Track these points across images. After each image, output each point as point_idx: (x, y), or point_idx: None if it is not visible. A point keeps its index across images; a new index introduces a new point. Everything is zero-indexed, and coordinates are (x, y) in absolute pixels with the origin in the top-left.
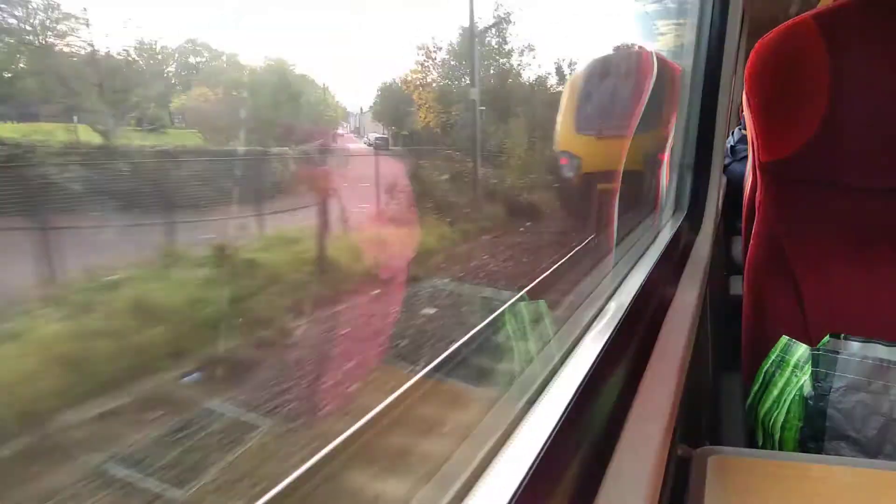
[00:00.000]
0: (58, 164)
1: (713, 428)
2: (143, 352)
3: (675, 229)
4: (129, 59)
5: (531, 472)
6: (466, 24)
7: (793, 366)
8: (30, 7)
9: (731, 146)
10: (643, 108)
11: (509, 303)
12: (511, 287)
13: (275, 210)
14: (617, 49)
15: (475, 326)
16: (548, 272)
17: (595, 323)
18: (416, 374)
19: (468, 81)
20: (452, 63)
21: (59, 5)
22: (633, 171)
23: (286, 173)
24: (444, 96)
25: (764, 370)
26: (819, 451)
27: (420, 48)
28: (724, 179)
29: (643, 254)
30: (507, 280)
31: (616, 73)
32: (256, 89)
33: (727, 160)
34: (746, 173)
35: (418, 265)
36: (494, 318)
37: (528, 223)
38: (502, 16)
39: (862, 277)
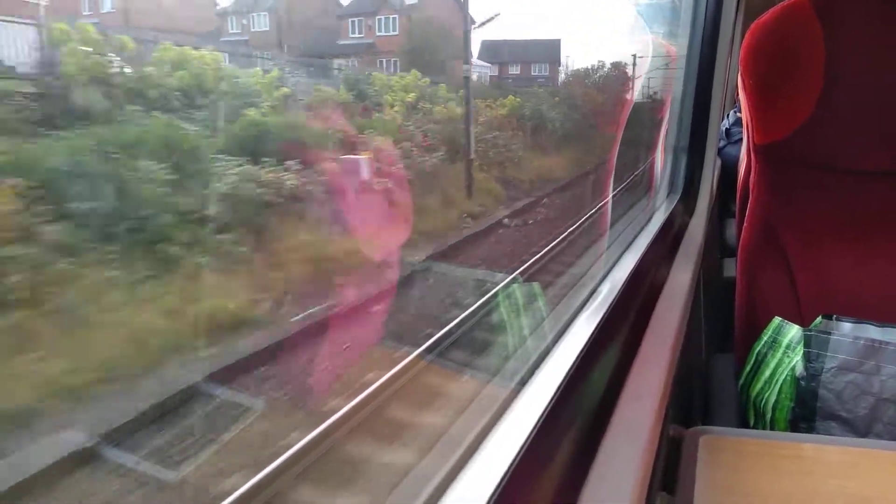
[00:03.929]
0: None
1: (705, 408)
2: None
3: (669, 212)
4: None
5: (523, 450)
6: None
7: (785, 346)
8: None
9: (726, 129)
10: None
11: None
12: None
13: None
14: None
15: None
16: None
17: (588, 304)
18: None
19: None
20: None
21: None
22: None
23: None
24: None
25: (756, 351)
26: (810, 430)
27: None
28: (719, 162)
29: (637, 235)
30: None
31: None
32: None
33: (722, 143)
34: (741, 156)
35: None
36: None
37: None
38: None
39: (854, 259)
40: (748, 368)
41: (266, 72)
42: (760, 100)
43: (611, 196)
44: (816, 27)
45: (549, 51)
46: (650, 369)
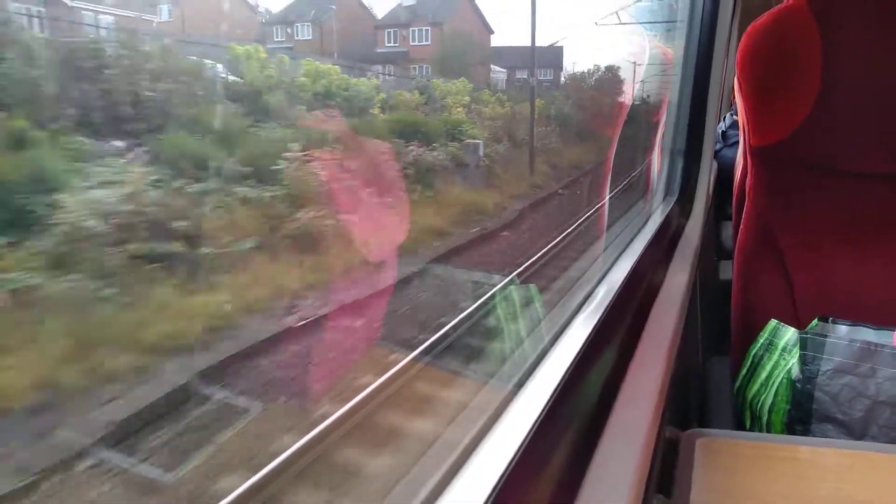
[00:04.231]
0: None
1: (702, 410)
2: None
3: (665, 214)
4: None
5: (520, 452)
6: None
7: (781, 349)
8: None
9: (723, 131)
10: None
11: None
12: None
13: None
14: None
15: None
16: None
17: (585, 306)
18: None
19: None
20: None
21: None
22: None
23: None
24: None
25: (752, 353)
26: (806, 433)
27: None
28: (715, 164)
29: (634, 238)
30: None
31: None
32: None
33: (718, 145)
34: (737, 158)
35: None
36: None
37: None
38: None
39: (850, 262)
40: (744, 371)
41: (367, 79)
42: (757, 102)
43: (606, 189)
44: (813, 29)
45: (553, 56)
46: (647, 371)
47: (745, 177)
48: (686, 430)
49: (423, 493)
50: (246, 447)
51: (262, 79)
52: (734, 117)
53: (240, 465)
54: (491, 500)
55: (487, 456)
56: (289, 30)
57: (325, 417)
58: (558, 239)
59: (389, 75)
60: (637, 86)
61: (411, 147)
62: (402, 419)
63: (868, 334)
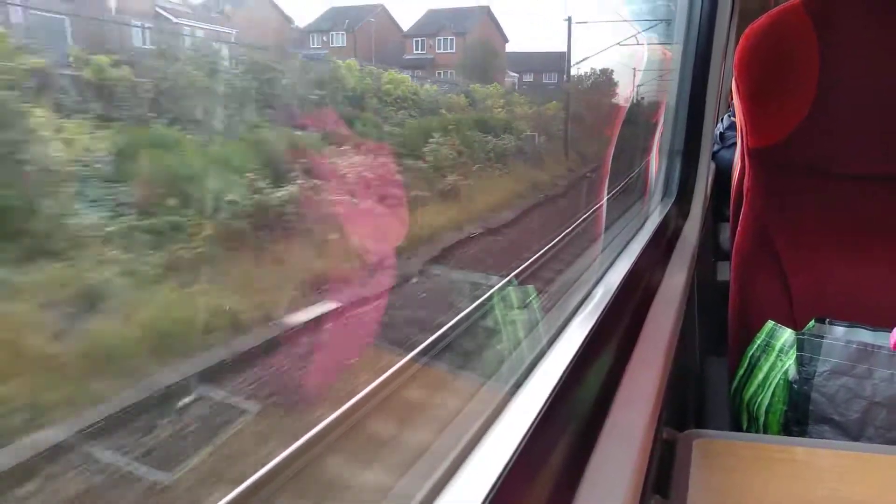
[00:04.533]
0: None
1: (699, 411)
2: None
3: (663, 215)
4: None
5: (517, 453)
6: None
7: (778, 350)
8: None
9: (721, 133)
10: None
11: None
12: None
13: None
14: None
15: None
16: None
17: (582, 307)
18: None
19: None
20: None
21: None
22: None
23: None
24: None
25: (749, 354)
26: (803, 434)
27: None
28: (713, 166)
29: (631, 239)
30: None
31: None
32: None
33: (716, 147)
34: (735, 160)
35: None
36: None
37: None
38: None
39: (847, 263)
40: (741, 372)
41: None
42: (754, 104)
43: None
44: (810, 32)
45: (556, 61)
46: (644, 372)
47: (743, 178)
48: (683, 430)
49: (420, 494)
50: None
51: (362, 86)
52: (732, 119)
53: None
54: (488, 501)
55: (485, 457)
56: (324, 38)
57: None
58: (596, 206)
59: (419, 80)
60: (637, 88)
61: (489, 138)
62: None
63: (865, 336)
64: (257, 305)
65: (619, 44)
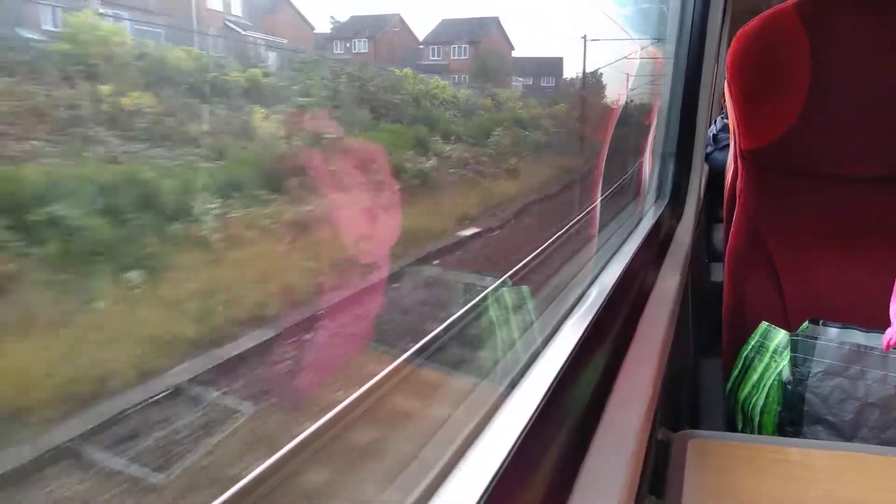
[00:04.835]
0: None
1: (693, 412)
2: None
3: (656, 216)
4: None
5: (511, 454)
6: None
7: (772, 351)
8: None
9: (714, 134)
10: None
11: None
12: None
13: None
14: None
15: None
16: None
17: (576, 308)
18: None
19: None
20: None
21: None
22: None
23: None
24: None
25: (744, 355)
26: (797, 434)
27: None
28: (706, 167)
29: (625, 240)
30: None
31: None
32: None
33: (709, 148)
34: (728, 161)
35: None
36: None
37: None
38: None
39: (840, 264)
40: (736, 373)
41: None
42: (747, 106)
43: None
44: (802, 35)
45: (554, 66)
46: (638, 373)
47: (736, 180)
48: (678, 431)
49: (416, 492)
50: None
51: (417, 90)
52: (725, 121)
53: None
54: (483, 501)
55: (479, 457)
56: (347, 44)
57: None
58: (613, 188)
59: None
60: (631, 90)
61: (526, 132)
62: None
63: (858, 337)
64: (438, 224)
65: (626, 58)
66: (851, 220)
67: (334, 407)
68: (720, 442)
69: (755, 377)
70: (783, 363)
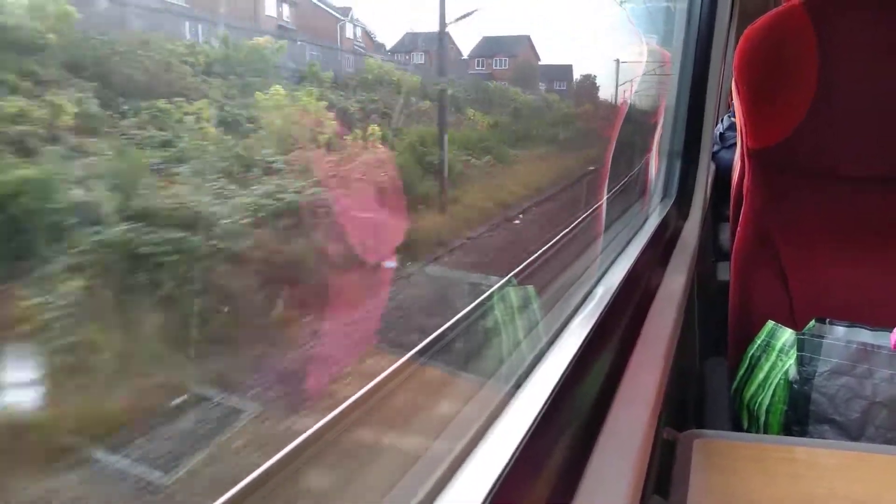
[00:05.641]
0: None
1: (699, 411)
2: None
3: (663, 215)
4: None
5: (517, 453)
6: None
7: (778, 350)
8: None
9: (721, 133)
10: None
11: None
12: None
13: None
14: None
15: None
16: None
17: (582, 307)
18: None
19: None
20: None
21: None
22: None
23: None
24: None
25: (750, 354)
26: (803, 434)
27: None
28: (713, 166)
29: (631, 239)
30: None
31: None
32: None
33: (716, 147)
34: (735, 161)
35: None
36: None
37: None
38: None
39: (847, 264)
40: (742, 372)
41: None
42: (754, 105)
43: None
44: (810, 33)
45: (564, 72)
46: (644, 372)
47: (743, 179)
48: (683, 430)
49: (422, 493)
50: None
51: (522, 101)
52: (732, 119)
53: None
54: (488, 500)
55: (485, 456)
56: (406, 56)
57: None
58: (629, 177)
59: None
60: (641, 90)
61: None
62: None
63: (865, 336)
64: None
65: (646, 74)
66: (859, 220)
67: None
68: (726, 441)
69: (761, 376)
70: (789, 362)
